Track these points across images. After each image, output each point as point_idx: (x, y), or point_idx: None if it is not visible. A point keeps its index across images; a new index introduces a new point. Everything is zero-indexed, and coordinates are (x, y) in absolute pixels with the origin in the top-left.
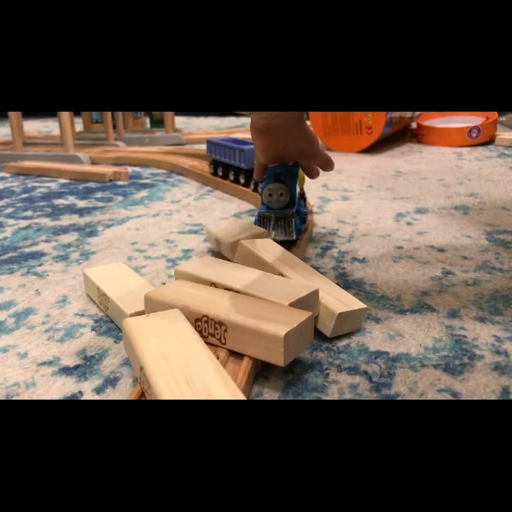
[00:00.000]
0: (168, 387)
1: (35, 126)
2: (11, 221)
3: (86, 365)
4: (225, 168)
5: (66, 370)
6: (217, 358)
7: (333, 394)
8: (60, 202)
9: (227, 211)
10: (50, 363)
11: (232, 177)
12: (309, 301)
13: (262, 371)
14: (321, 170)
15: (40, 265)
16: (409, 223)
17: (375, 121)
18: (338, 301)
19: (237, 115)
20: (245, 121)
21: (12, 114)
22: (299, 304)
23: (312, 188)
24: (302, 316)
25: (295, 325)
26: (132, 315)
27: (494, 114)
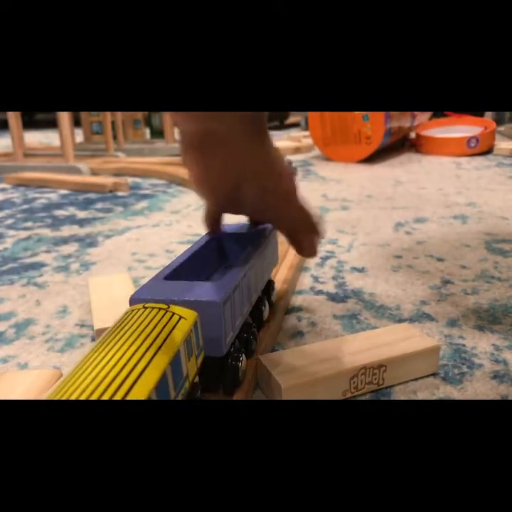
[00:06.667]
0: None
1: (35, 138)
2: (12, 232)
3: None
4: None
5: None
6: None
7: None
8: (60, 213)
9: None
10: None
11: None
12: None
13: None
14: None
15: (40, 276)
16: (408, 233)
17: (374, 131)
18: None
19: None
20: None
21: (13, 125)
22: None
23: (311, 198)
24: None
25: (421, 334)
26: (99, 330)
27: (492, 124)
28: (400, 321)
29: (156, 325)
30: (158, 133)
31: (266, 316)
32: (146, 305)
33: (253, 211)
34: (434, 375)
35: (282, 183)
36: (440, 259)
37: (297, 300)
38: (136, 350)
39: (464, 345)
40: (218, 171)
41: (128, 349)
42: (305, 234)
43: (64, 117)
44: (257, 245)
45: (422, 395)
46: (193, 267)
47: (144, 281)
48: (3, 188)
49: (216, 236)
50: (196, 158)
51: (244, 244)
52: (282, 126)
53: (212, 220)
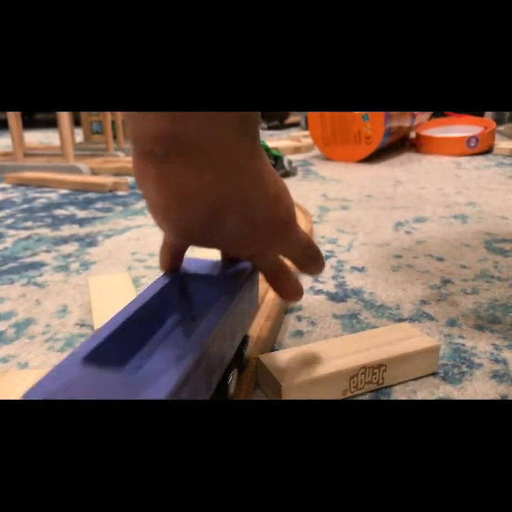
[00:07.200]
0: None
1: (35, 137)
2: (12, 232)
3: None
4: None
5: None
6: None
7: None
8: (60, 212)
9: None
10: None
11: None
12: None
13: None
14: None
15: (40, 275)
16: (408, 232)
17: (374, 131)
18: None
19: None
20: None
21: (13, 125)
22: None
23: (311, 198)
24: (407, 327)
25: (421, 333)
26: None
27: (492, 124)
28: (400, 320)
29: None
30: None
31: (232, 391)
32: None
33: (233, 246)
34: (433, 374)
35: (280, 210)
36: (440, 259)
37: None
38: None
39: (463, 345)
40: (190, 193)
41: None
42: (308, 270)
43: (64, 117)
44: (233, 295)
45: (421, 395)
46: (141, 325)
47: (144, 281)
48: (3, 187)
49: (178, 276)
50: (156, 175)
51: (215, 292)
52: (282, 126)
53: (173, 256)
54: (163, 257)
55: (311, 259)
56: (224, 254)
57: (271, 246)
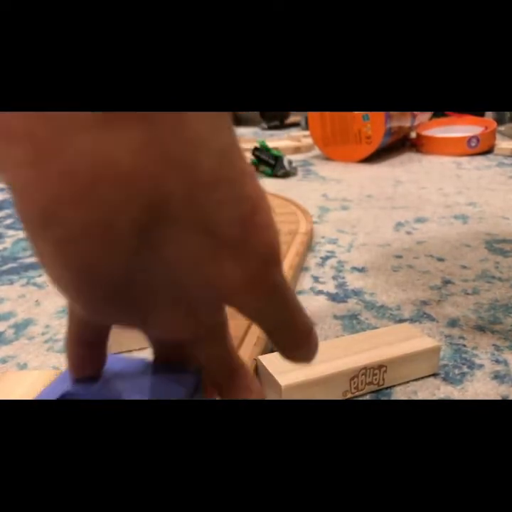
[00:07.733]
0: None
1: None
2: (11, 232)
3: None
4: None
5: None
6: None
7: None
8: None
9: None
10: None
11: None
12: None
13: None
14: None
15: (39, 276)
16: (408, 232)
17: (374, 131)
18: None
19: (236, 123)
20: (244, 131)
21: None
22: None
23: (311, 198)
24: (410, 327)
25: (422, 334)
26: None
27: (493, 124)
28: (401, 321)
29: None
30: None
31: None
32: None
33: (177, 303)
34: (434, 375)
35: (257, 235)
36: (440, 259)
37: None
38: None
39: (464, 346)
40: (95, 194)
41: None
42: (290, 351)
43: None
44: None
45: (422, 395)
46: None
47: None
48: (3, 187)
49: (87, 388)
50: (31, 162)
51: None
52: (282, 126)
53: (84, 345)
54: (71, 348)
55: (298, 336)
56: (156, 349)
57: (236, 297)
